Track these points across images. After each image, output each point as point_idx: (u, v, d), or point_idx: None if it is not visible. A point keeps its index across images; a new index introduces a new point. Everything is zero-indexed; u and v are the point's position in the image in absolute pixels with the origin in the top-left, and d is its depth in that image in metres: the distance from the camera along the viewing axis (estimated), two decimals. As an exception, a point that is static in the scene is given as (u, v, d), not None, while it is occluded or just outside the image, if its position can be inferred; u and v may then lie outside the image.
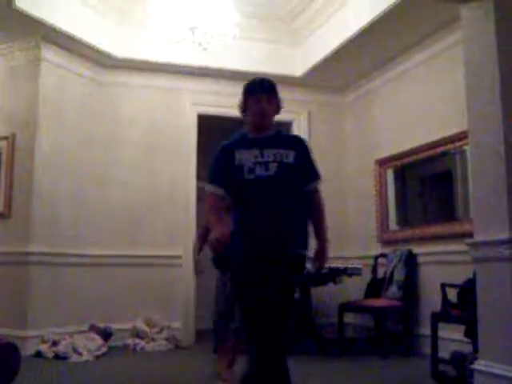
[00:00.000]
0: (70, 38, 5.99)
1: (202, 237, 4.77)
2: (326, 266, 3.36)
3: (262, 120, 3.10)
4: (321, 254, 3.12)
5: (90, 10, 6.17)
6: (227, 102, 7.13)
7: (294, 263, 2.98)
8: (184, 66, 6.78)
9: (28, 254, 5.77)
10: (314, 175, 3.17)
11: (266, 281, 2.86)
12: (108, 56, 6.49)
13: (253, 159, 2.97)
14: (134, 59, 6.63)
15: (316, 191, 3.16)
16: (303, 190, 3.08)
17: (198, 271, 5.05)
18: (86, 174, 6.46)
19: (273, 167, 2.96)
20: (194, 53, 6.13)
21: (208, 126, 7.24)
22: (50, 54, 6.09)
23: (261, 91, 3.12)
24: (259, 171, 2.95)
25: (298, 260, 3.01)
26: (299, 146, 3.10)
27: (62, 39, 6.00)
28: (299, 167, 3.04)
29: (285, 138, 3.16)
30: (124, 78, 6.83)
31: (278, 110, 3.20)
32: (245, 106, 3.20)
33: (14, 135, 6.02)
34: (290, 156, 3.01)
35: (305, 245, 3.04)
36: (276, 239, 2.93)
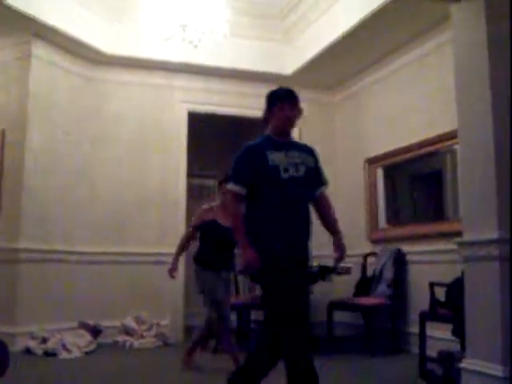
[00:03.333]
0: (61, 35, 5.97)
1: (181, 249, 5.18)
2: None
3: (286, 127, 3.34)
4: (342, 245, 3.50)
5: (81, 7, 6.13)
6: (218, 100, 7.16)
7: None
8: (174, 64, 6.76)
9: (17, 250, 5.75)
10: (325, 180, 3.51)
11: (304, 283, 3.30)
12: (98, 53, 6.46)
13: (285, 159, 3.22)
14: (125, 56, 6.61)
15: (325, 193, 3.51)
16: (317, 192, 3.44)
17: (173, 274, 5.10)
18: (75, 171, 6.45)
19: (302, 169, 3.25)
20: (184, 50, 6.12)
21: (198, 123, 7.23)
22: (40, 50, 6.07)
23: (286, 100, 3.34)
24: (292, 171, 3.21)
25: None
26: (314, 154, 3.43)
27: (53, 36, 5.98)
28: (316, 172, 3.39)
29: (302, 145, 3.46)
30: (114, 74, 6.81)
31: (299, 117, 3.43)
32: (269, 112, 3.38)
33: (3, 131, 5.99)
34: (310, 160, 3.35)
35: None
36: (305, 239, 3.35)
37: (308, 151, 3.39)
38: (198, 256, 5.05)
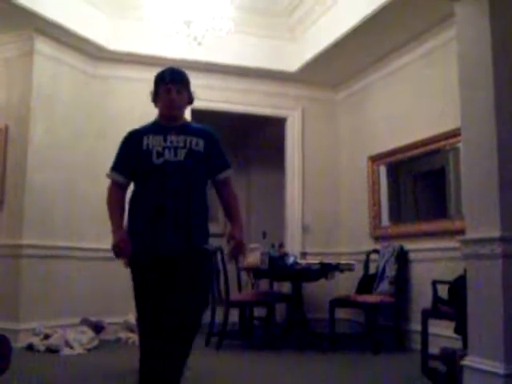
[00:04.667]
0: (64, 31, 5.97)
1: None
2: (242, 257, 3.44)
3: (171, 111, 3.10)
4: (235, 241, 3.09)
5: (84, 2, 6.14)
6: (220, 97, 7.16)
7: (200, 259, 3.04)
8: (178, 60, 6.74)
9: (20, 246, 5.76)
10: (226, 164, 3.20)
11: (172, 277, 2.94)
12: (102, 49, 6.46)
13: (162, 143, 2.99)
14: (128, 52, 6.61)
15: (229, 179, 3.20)
16: (215, 179, 3.15)
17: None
18: (78, 167, 6.45)
19: (182, 152, 2.99)
20: (188, 47, 6.12)
21: (201, 120, 7.22)
22: (43, 46, 6.06)
23: (171, 82, 3.10)
24: (168, 156, 2.97)
25: (204, 255, 3.08)
26: (209, 136, 3.13)
27: (56, 31, 5.98)
28: (208, 156, 3.07)
29: (194, 128, 3.17)
30: (117, 71, 6.81)
31: (189, 101, 3.20)
32: (155, 95, 3.17)
33: (6, 127, 5.99)
34: (199, 144, 3.05)
35: (207, 239, 3.11)
36: (184, 228, 2.97)
37: (200, 134, 3.10)
38: None
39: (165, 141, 3.00)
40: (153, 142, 3.00)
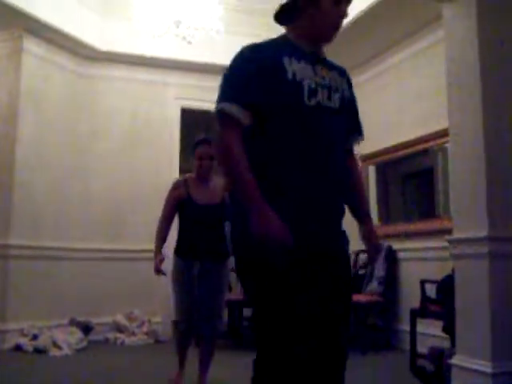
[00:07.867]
0: (53, 30, 5.95)
1: (163, 235, 4.21)
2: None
3: (333, 33, 2.09)
4: (374, 238, 2.15)
5: (74, 2, 6.12)
6: (211, 97, 7.11)
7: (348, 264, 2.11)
8: (168, 60, 6.76)
9: (8, 246, 5.72)
10: (361, 127, 2.29)
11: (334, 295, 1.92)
12: (91, 48, 6.45)
13: (313, 76, 1.94)
14: (118, 52, 6.60)
15: (354, 149, 2.25)
16: (349, 143, 2.19)
17: (160, 272, 4.08)
18: (67, 167, 6.42)
19: (336, 98, 2.00)
20: (178, 46, 6.12)
21: (191, 120, 7.23)
22: (32, 45, 6.04)
23: None
24: (321, 96, 1.93)
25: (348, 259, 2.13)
26: (350, 80, 2.18)
27: (45, 31, 5.95)
28: (353, 108, 2.17)
29: (335, 64, 2.15)
30: (107, 70, 6.79)
31: None
32: (310, 2, 1.98)
33: (-6, 127, 5.97)
34: (346, 89, 2.11)
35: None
36: (339, 212, 2.00)
37: (343, 74, 2.12)
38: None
39: (315, 74, 1.95)
40: (300, 70, 1.92)
